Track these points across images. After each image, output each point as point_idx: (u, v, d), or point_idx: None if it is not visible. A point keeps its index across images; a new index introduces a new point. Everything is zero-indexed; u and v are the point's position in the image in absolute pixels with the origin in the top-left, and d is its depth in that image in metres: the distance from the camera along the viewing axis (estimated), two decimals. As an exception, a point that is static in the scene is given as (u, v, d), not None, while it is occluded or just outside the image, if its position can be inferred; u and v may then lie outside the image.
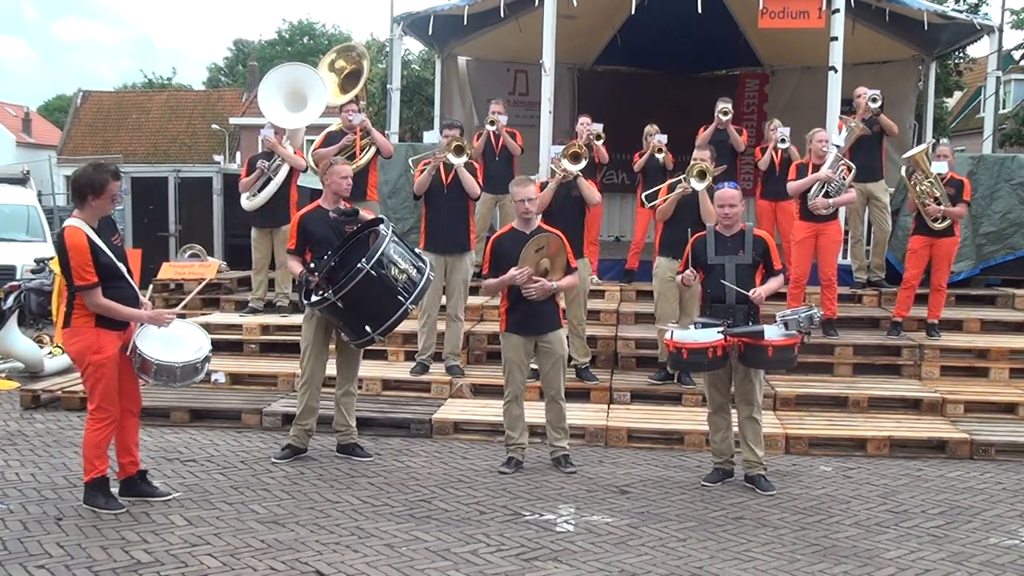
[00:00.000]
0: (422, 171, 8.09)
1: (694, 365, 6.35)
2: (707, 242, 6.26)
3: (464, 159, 8.00)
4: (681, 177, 7.88)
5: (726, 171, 10.30)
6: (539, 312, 6.34)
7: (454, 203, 8.08)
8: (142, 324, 5.54)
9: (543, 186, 8.03)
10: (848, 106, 10.76)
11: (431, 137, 9.04)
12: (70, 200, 32.46)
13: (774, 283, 6.21)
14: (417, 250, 6.59)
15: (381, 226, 6.31)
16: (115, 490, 5.70)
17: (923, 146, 8.72)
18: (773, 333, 5.92)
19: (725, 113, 10.22)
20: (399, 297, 6.14)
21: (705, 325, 6.06)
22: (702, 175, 7.66)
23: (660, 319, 8.04)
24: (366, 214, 6.67)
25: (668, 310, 7.98)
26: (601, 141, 9.83)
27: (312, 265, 6.33)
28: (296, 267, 6.51)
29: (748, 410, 6.20)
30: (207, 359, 5.79)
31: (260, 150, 9.99)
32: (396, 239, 6.28)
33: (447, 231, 8.05)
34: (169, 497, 5.76)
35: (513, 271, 6.21)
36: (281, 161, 9.43)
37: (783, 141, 9.85)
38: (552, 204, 7.81)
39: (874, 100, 9.48)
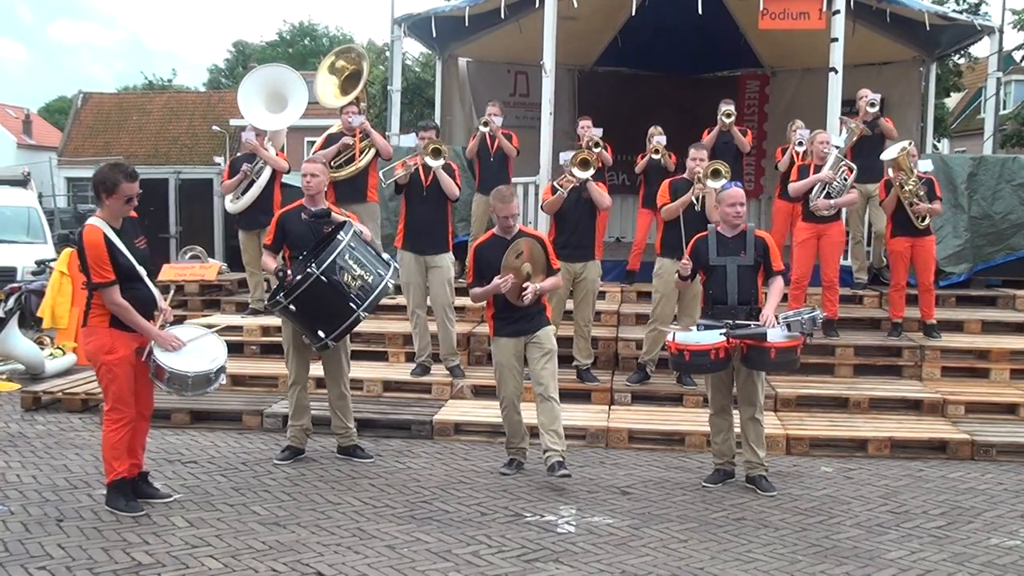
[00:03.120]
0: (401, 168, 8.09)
1: (697, 367, 6.30)
2: (708, 242, 6.26)
3: (441, 161, 7.97)
4: (697, 176, 7.82)
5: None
6: (526, 313, 6.32)
7: (434, 204, 8.05)
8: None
9: (553, 190, 8.02)
10: (849, 107, 10.75)
11: (407, 141, 9.02)
12: (70, 202, 32.51)
13: (775, 296, 6.15)
14: (385, 256, 6.56)
15: (340, 231, 6.28)
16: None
17: (901, 146, 8.69)
18: (776, 335, 5.90)
19: (728, 115, 10.21)
20: (351, 304, 6.14)
21: (708, 327, 6.06)
22: (717, 174, 7.64)
23: (657, 320, 8.04)
24: (337, 215, 6.64)
25: (667, 311, 7.97)
26: (598, 149, 9.80)
27: (282, 264, 6.38)
28: (270, 263, 6.54)
29: (750, 411, 6.20)
30: (221, 370, 5.77)
31: (239, 151, 9.97)
32: (354, 244, 6.24)
33: (426, 232, 8.05)
34: (170, 499, 5.76)
35: (497, 280, 6.20)
36: (263, 163, 9.43)
37: (800, 144, 9.84)
38: (563, 207, 7.82)
39: (872, 105, 9.47)
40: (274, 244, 6.60)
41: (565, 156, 8.28)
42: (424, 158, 7.91)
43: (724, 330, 5.93)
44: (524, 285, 6.23)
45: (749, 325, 5.97)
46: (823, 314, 6.17)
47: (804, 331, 5.94)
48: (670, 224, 7.87)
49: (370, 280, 6.22)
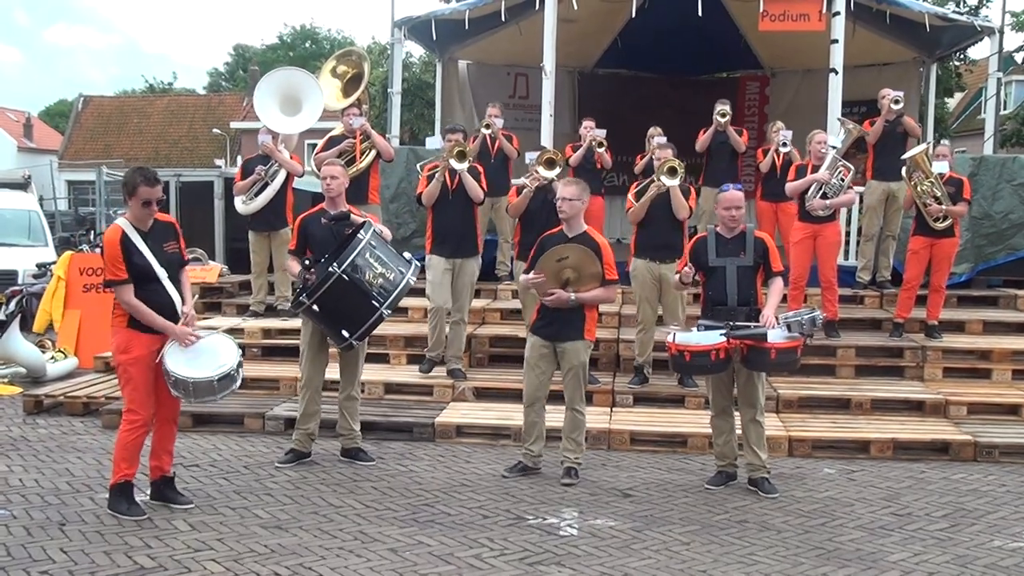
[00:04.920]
0: (428, 175, 8.08)
1: (697, 368, 6.26)
2: (708, 243, 6.24)
3: (466, 164, 7.97)
4: (652, 178, 7.84)
5: (726, 172, 10.28)
6: (559, 318, 6.23)
7: (460, 208, 8.05)
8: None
9: (519, 190, 8.02)
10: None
11: (433, 142, 9.02)
12: (71, 205, 32.47)
13: (775, 297, 6.14)
14: (406, 254, 6.56)
15: (361, 230, 6.30)
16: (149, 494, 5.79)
17: (922, 146, 8.72)
18: (776, 335, 5.90)
19: (723, 115, 10.22)
20: (373, 302, 6.14)
21: (708, 327, 6.05)
22: (673, 172, 7.61)
23: (643, 323, 8.04)
24: (357, 217, 6.65)
25: (649, 313, 7.98)
26: (603, 148, 9.83)
27: (308, 263, 6.38)
28: (295, 266, 6.55)
29: (751, 413, 6.19)
30: (227, 378, 5.69)
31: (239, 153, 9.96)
32: (375, 243, 6.25)
33: (454, 236, 8.05)
34: (190, 506, 5.74)
35: (531, 275, 6.20)
36: (278, 166, 9.44)
37: (784, 144, 9.85)
38: (529, 208, 7.80)
39: (896, 102, 9.46)
40: (298, 248, 6.62)
41: (531, 156, 8.28)
42: (449, 161, 7.89)
43: (725, 331, 5.93)
44: (552, 290, 6.17)
45: (749, 326, 5.97)
46: (823, 315, 6.16)
47: (804, 332, 5.94)
48: (642, 225, 7.88)
49: (391, 278, 6.22)
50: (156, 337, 5.50)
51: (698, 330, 6.14)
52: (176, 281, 5.60)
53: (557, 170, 7.83)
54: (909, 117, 9.78)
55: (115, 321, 5.52)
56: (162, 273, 5.49)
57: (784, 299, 7.65)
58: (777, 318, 5.99)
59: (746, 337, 5.93)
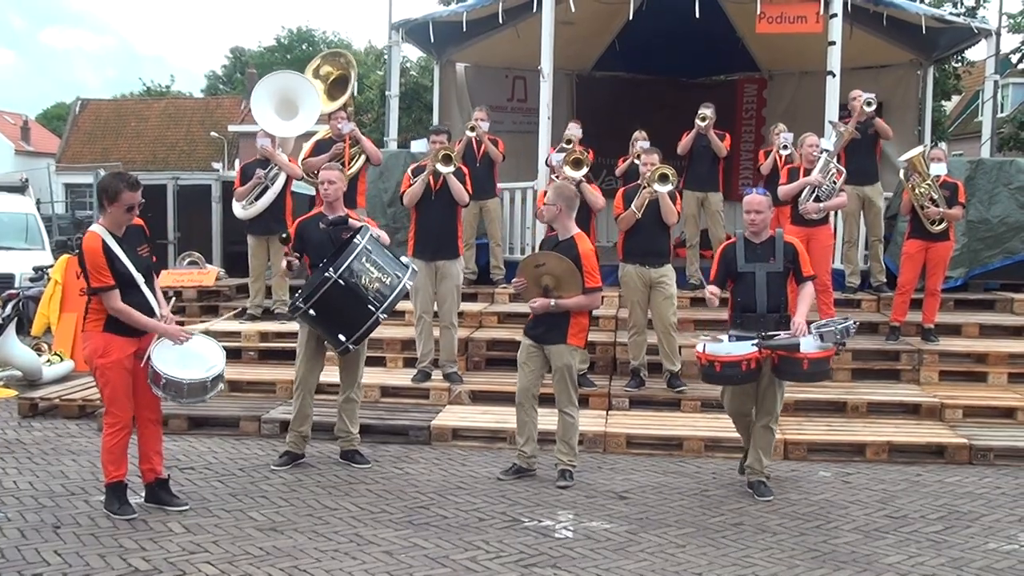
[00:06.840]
0: (413, 171, 8.05)
1: (727, 378, 6.06)
2: (736, 249, 6.18)
3: (452, 167, 7.92)
4: (639, 183, 7.81)
5: (707, 175, 10.22)
6: (545, 321, 6.26)
7: (443, 210, 8.02)
8: (159, 336, 5.56)
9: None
10: (847, 111, 10.74)
11: (419, 146, 8.99)
12: (68, 208, 32.47)
13: (806, 303, 6.08)
14: (404, 258, 6.56)
15: (357, 235, 6.32)
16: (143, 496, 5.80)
17: (919, 148, 8.71)
18: (809, 345, 5.81)
19: (703, 119, 10.04)
20: (369, 306, 6.17)
21: (739, 338, 6.00)
22: (664, 178, 7.56)
23: (635, 327, 8.03)
24: (355, 221, 6.65)
25: (639, 316, 7.98)
26: (570, 145, 9.68)
27: (284, 235, 6.51)
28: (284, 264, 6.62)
29: (766, 419, 6.15)
30: (218, 378, 5.74)
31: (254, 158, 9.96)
32: (372, 248, 6.27)
33: (436, 238, 8.03)
34: (185, 507, 5.74)
35: (514, 281, 6.26)
36: (278, 170, 9.43)
37: (785, 147, 9.82)
38: None
39: (869, 104, 9.38)
40: (294, 252, 6.62)
41: (556, 158, 8.21)
42: (435, 165, 7.87)
43: (756, 341, 5.86)
44: (534, 298, 6.19)
45: (779, 334, 5.90)
46: (856, 323, 6.10)
47: (837, 341, 5.87)
48: (630, 231, 7.85)
49: (388, 282, 6.26)
50: (133, 340, 5.51)
51: (728, 340, 6.09)
52: (150, 285, 5.60)
53: (584, 170, 7.80)
54: (880, 119, 9.73)
55: (89, 326, 5.50)
56: (139, 278, 5.50)
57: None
58: (809, 326, 5.94)
59: (778, 348, 5.86)
